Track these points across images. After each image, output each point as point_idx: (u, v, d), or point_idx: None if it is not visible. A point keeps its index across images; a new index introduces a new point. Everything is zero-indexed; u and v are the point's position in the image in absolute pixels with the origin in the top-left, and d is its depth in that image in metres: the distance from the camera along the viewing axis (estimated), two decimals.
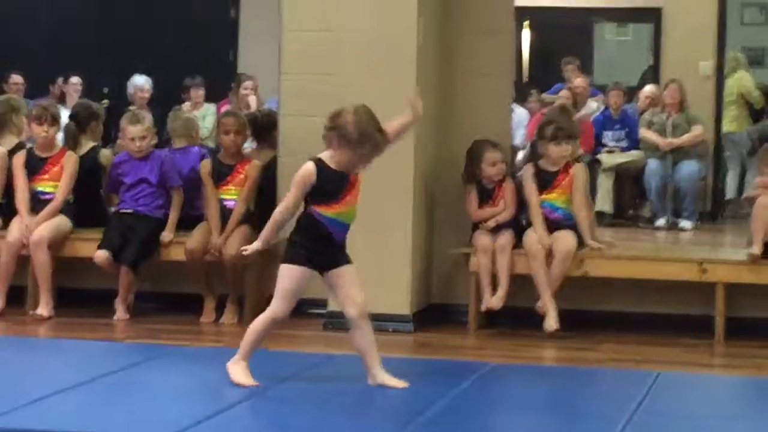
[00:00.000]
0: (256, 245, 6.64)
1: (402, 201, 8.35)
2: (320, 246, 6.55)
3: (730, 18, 15.44)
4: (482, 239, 8.44)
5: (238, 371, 6.49)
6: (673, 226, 13.46)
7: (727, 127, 13.76)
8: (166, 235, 8.80)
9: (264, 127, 9.36)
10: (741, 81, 13.79)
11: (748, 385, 7.20)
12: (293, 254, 6.48)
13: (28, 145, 9.24)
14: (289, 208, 6.55)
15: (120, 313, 8.66)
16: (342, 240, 6.66)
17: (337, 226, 6.58)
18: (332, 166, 6.45)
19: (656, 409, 6.21)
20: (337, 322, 8.39)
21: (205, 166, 8.87)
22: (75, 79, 14.66)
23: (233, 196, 8.76)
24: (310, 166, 6.49)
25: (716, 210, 14.66)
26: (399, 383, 6.42)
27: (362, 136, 6.45)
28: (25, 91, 13.43)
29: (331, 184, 6.48)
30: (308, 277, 6.52)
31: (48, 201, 8.87)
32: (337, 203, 6.54)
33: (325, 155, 6.52)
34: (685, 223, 13.42)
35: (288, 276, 6.49)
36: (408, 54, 8.31)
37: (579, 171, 8.71)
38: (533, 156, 9.19)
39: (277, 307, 6.49)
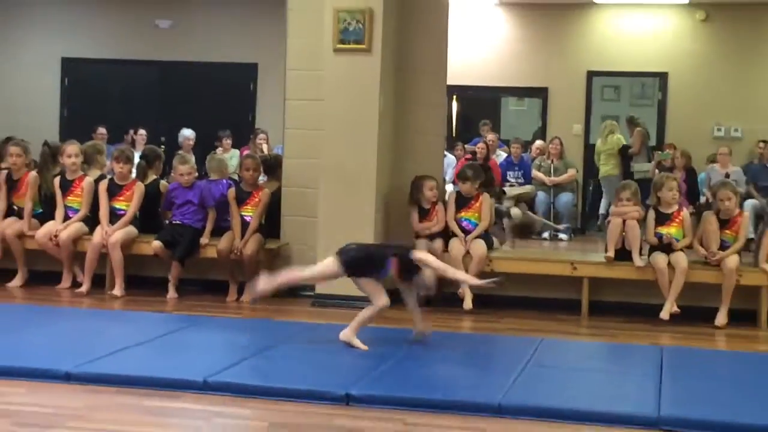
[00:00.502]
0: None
1: (368, 215, 8.39)
2: None
3: (594, 95, 15.55)
4: (422, 244, 8.47)
5: (353, 340, 6.61)
6: (554, 238, 13.54)
7: (608, 172, 13.84)
8: (204, 240, 8.80)
9: (272, 166, 9.39)
10: (620, 140, 13.91)
11: (604, 348, 7.31)
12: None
13: (109, 176, 9.24)
14: None
15: (171, 293, 8.66)
16: None
17: None
18: None
19: (540, 363, 6.37)
20: (321, 301, 8.43)
21: (231, 193, 8.87)
22: (141, 131, 14.65)
23: (250, 213, 8.77)
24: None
25: (584, 226, 14.73)
26: (362, 346, 6.58)
27: None
28: (107, 139, 13.40)
29: None
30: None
31: (122, 215, 8.87)
32: None
33: None
34: (562, 236, 13.50)
35: (373, 283, 6.74)
36: (372, 119, 8.37)
37: (486, 198, 8.78)
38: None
39: (381, 301, 6.70)
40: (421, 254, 6.81)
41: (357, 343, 6.57)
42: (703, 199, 12.66)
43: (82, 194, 9.01)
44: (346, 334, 6.63)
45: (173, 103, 15.70)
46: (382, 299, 6.67)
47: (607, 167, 14.05)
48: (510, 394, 5.53)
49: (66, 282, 8.93)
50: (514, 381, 5.81)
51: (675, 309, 8.02)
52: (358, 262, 6.74)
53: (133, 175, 9.36)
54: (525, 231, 11.21)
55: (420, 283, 6.80)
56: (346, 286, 8.32)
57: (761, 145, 13.92)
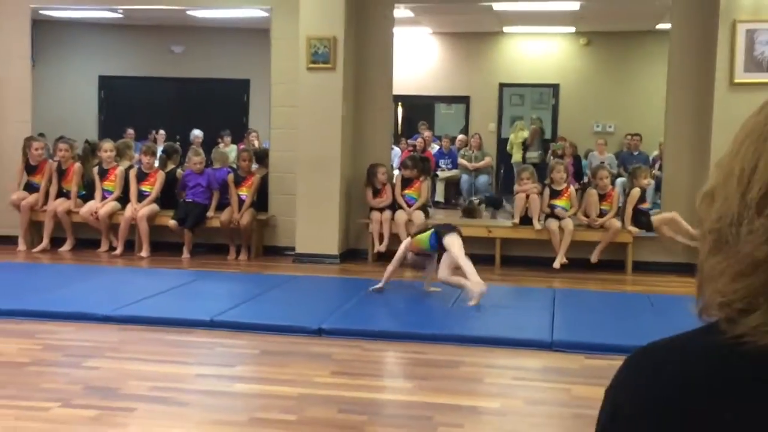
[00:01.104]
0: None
1: (334, 193, 8.35)
2: None
3: (504, 101, 15.57)
4: (375, 214, 8.44)
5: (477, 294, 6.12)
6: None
7: (517, 159, 13.86)
8: (210, 214, 8.72)
9: (262, 157, 9.29)
10: (524, 136, 13.94)
11: (511, 290, 7.22)
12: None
13: (136, 166, 9.14)
14: None
15: (185, 254, 8.58)
16: None
17: None
18: None
19: (465, 302, 6.30)
20: (300, 258, 8.40)
21: (231, 177, 8.77)
22: (162, 132, 14.50)
23: (245, 192, 8.69)
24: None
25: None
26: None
27: None
28: (135, 138, 13.23)
29: None
30: None
31: (147, 196, 8.77)
32: None
33: None
34: (481, 208, 13.51)
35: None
36: (336, 121, 8.33)
37: (426, 181, 8.78)
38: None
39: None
40: (449, 239, 6.33)
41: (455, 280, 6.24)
42: (585, 179, 12.73)
43: (115, 180, 8.93)
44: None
45: (185, 110, 15.56)
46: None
47: (516, 155, 14.09)
48: (443, 325, 5.57)
49: (104, 247, 8.85)
50: (446, 315, 5.86)
51: (564, 261, 8.08)
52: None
53: (156, 164, 9.28)
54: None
55: (427, 262, 6.55)
56: (321, 246, 8.34)
57: (628, 137, 14.01)
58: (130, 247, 8.74)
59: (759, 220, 0.80)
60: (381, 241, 8.36)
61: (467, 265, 6.22)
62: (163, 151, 10.03)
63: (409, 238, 6.64)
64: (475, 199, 11.89)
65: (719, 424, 0.78)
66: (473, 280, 6.13)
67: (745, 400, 0.78)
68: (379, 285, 6.53)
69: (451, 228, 6.52)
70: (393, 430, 3.86)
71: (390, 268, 6.55)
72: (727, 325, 0.81)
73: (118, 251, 8.66)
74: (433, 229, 6.48)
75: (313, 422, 3.92)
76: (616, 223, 8.08)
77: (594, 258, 8.06)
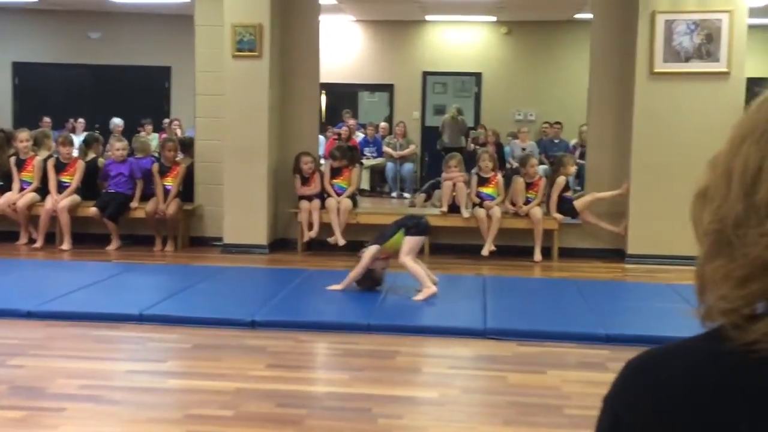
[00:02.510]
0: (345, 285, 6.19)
1: (261, 182, 8.20)
2: None
3: (428, 89, 15.61)
4: (303, 204, 8.31)
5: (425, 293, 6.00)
6: (400, 197, 13.57)
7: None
8: (133, 204, 8.46)
9: (187, 146, 9.06)
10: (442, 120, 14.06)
11: (441, 279, 6.93)
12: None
13: (55, 155, 8.82)
14: None
15: (113, 245, 8.33)
16: None
17: None
18: None
19: (395, 291, 6.34)
20: (228, 249, 8.26)
21: (155, 167, 8.53)
22: (81, 120, 14.08)
23: (170, 182, 8.45)
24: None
25: (420, 188, 14.79)
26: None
27: None
28: (51, 126, 12.80)
29: None
30: None
31: (67, 187, 8.47)
32: None
33: None
34: (406, 195, 13.54)
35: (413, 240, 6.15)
36: (263, 109, 8.18)
37: (354, 169, 8.68)
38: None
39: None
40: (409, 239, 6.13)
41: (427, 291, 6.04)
42: (508, 166, 12.86)
43: (33, 170, 8.60)
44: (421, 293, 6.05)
45: (104, 98, 15.18)
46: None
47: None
48: (376, 316, 5.53)
49: (23, 239, 8.53)
50: (378, 305, 5.82)
51: (492, 248, 8.11)
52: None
53: (75, 154, 9.00)
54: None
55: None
56: (249, 236, 8.21)
57: (545, 125, 14.21)
58: (51, 239, 8.44)
59: None
60: (310, 229, 8.27)
61: (415, 271, 6.08)
62: (83, 141, 9.76)
63: (375, 246, 6.11)
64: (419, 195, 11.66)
65: None
66: (425, 286, 6.06)
67: (761, 410, 0.75)
68: (338, 286, 6.22)
69: (417, 224, 6.24)
70: (333, 423, 3.80)
71: (352, 274, 6.16)
72: (734, 331, 0.78)
73: (39, 244, 8.35)
74: (402, 230, 6.16)
75: (251, 417, 3.84)
76: (539, 212, 8.16)
77: (536, 257, 8.03)
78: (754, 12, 8.64)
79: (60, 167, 8.57)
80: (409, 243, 6.11)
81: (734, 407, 0.76)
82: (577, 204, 8.25)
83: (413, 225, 6.24)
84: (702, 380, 0.79)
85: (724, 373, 0.78)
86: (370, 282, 6.21)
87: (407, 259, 6.06)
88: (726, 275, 0.79)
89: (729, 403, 0.77)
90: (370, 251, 6.13)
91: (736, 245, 0.79)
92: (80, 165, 8.63)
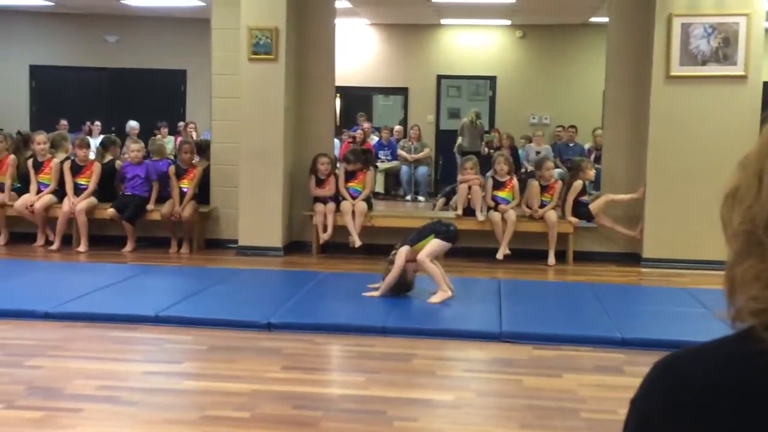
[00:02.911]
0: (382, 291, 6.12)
1: (277, 184, 8.23)
2: None
3: (442, 93, 15.61)
4: (318, 206, 8.33)
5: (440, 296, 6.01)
6: (414, 200, 13.58)
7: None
8: (149, 206, 8.50)
9: (203, 149, 9.06)
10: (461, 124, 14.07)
11: (456, 282, 6.76)
12: None
13: (72, 158, 8.86)
14: None
15: (129, 247, 8.36)
16: None
17: None
18: None
19: (414, 291, 6.28)
20: (243, 251, 8.29)
21: (172, 169, 8.57)
22: (97, 123, 14.17)
23: (187, 185, 8.49)
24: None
25: (436, 191, 14.77)
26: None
27: None
28: (68, 129, 12.87)
29: None
30: None
31: (83, 189, 8.51)
32: None
33: None
34: (421, 198, 13.56)
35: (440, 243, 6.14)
36: (279, 112, 8.21)
37: (368, 172, 8.69)
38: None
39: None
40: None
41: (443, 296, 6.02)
42: (523, 170, 12.84)
43: (51, 173, 8.64)
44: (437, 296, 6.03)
45: (121, 100, 15.27)
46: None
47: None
48: (391, 318, 5.52)
49: (40, 241, 8.55)
50: (393, 308, 5.81)
51: (507, 251, 8.08)
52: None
53: (92, 156, 9.04)
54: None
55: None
56: (264, 239, 8.23)
57: (559, 129, 14.19)
58: (68, 241, 8.48)
59: None
60: (325, 231, 8.28)
61: (432, 271, 6.04)
62: (100, 144, 9.82)
63: (406, 247, 6.07)
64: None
65: None
66: (441, 289, 6.04)
67: None
68: (375, 293, 6.13)
69: (447, 231, 6.22)
70: (348, 426, 3.80)
71: (389, 279, 6.06)
72: (765, 332, 0.78)
73: (55, 246, 8.37)
74: (433, 235, 6.13)
75: (267, 419, 3.84)
76: (553, 215, 8.14)
77: (550, 261, 8.00)
78: None
79: (76, 170, 8.60)
80: (433, 246, 6.09)
81: (764, 408, 0.76)
82: (592, 207, 8.22)
83: (444, 231, 6.22)
84: (732, 381, 0.78)
85: (755, 374, 0.78)
86: (401, 287, 6.15)
87: (426, 260, 6.03)
88: (757, 276, 0.79)
89: (759, 403, 0.76)
90: (402, 253, 6.09)
91: (767, 246, 0.78)
92: (96, 167, 8.67)
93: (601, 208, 8.18)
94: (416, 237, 6.21)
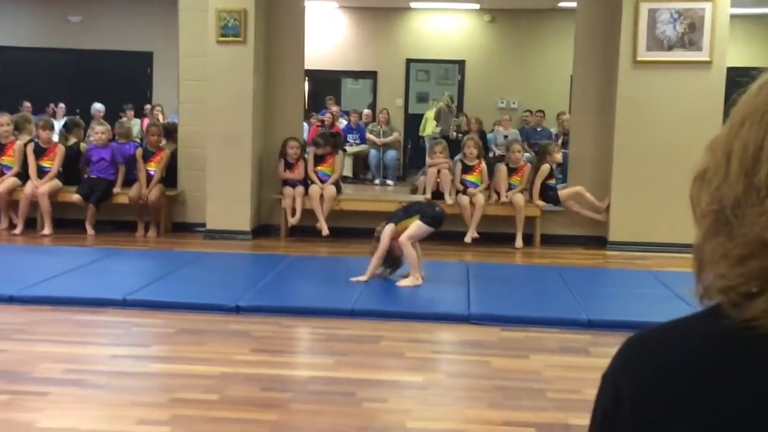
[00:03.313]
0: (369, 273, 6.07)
1: (245, 168, 8.20)
2: None
3: (411, 77, 15.61)
4: (287, 190, 8.32)
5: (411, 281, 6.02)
6: (383, 184, 13.60)
7: (428, 132, 13.90)
8: (116, 190, 8.44)
9: (170, 132, 9.00)
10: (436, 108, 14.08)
11: (424, 265, 6.88)
12: None
13: (35, 140, 8.74)
14: None
15: (89, 231, 8.27)
16: None
17: None
18: None
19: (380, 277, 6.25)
20: (211, 235, 8.25)
21: (139, 152, 8.52)
22: (61, 105, 13.98)
23: (154, 168, 8.44)
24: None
25: (404, 176, 14.81)
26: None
27: None
28: (32, 111, 12.69)
29: None
30: None
31: (47, 172, 8.41)
32: None
33: None
34: (389, 182, 13.59)
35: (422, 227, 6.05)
36: (247, 95, 8.17)
37: (337, 156, 8.69)
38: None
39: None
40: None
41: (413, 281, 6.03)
42: (491, 154, 12.90)
43: (14, 155, 8.51)
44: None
45: (85, 82, 15.10)
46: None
47: (429, 129, 14.14)
48: (360, 301, 5.54)
49: (3, 224, 8.44)
50: (361, 291, 5.83)
51: (475, 235, 8.14)
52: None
53: (55, 139, 8.92)
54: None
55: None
56: (232, 222, 8.19)
57: (527, 113, 14.27)
58: (31, 225, 8.38)
59: None
60: (293, 215, 8.27)
61: (410, 255, 6.02)
62: (63, 125, 9.69)
63: (390, 225, 6.04)
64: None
65: (734, 408, 0.77)
66: (413, 274, 6.04)
67: (759, 385, 0.77)
68: (363, 277, 6.08)
69: (434, 215, 6.16)
70: (318, 407, 3.82)
71: (375, 260, 6.06)
72: (732, 309, 0.80)
73: (19, 229, 8.26)
74: (419, 216, 6.08)
75: (236, 401, 3.84)
76: (521, 199, 8.19)
77: (517, 244, 8.06)
78: (735, 1, 8.68)
79: (39, 152, 8.49)
80: (414, 229, 6.03)
81: (733, 381, 0.78)
82: (563, 193, 8.29)
83: (430, 215, 6.15)
84: (702, 356, 0.80)
85: (724, 349, 0.80)
86: (390, 263, 6.12)
87: (407, 243, 6.00)
88: (724, 254, 0.81)
89: (728, 377, 0.78)
90: (387, 232, 6.04)
91: (734, 225, 0.80)
92: (60, 150, 8.57)
93: (571, 196, 8.25)
94: (402, 215, 6.19)
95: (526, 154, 11.69)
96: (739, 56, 11.97)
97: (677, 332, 0.84)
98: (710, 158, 0.85)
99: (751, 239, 0.78)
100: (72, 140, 9.01)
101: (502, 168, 8.40)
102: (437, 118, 13.97)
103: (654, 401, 0.81)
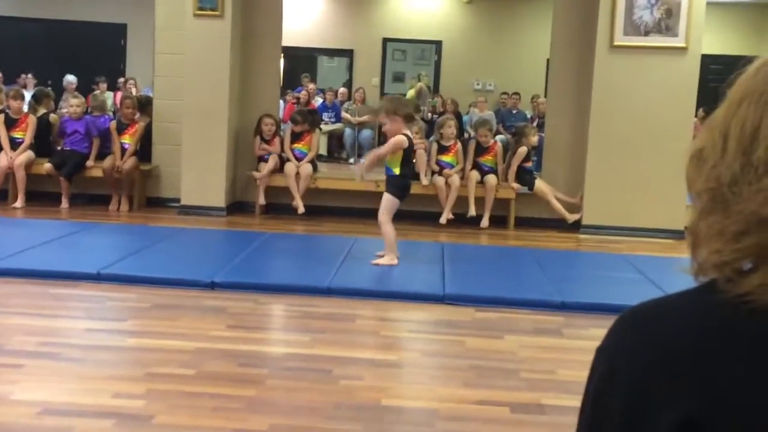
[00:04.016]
0: (364, 167, 6.25)
1: (221, 143, 8.14)
2: None
3: (387, 56, 15.56)
4: (262, 165, 8.32)
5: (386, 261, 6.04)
6: (358, 162, 13.53)
7: None
8: (89, 163, 8.36)
9: (145, 105, 8.93)
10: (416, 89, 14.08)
11: (400, 245, 6.86)
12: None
13: (6, 111, 8.62)
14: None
15: (63, 204, 8.21)
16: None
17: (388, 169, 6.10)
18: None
19: (355, 256, 6.40)
20: (185, 210, 8.20)
21: (113, 125, 8.45)
22: (31, 75, 13.79)
23: (128, 141, 8.38)
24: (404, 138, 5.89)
25: None
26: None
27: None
28: (2, 81, 12.49)
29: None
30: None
31: (20, 143, 8.30)
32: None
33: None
34: (363, 161, 13.53)
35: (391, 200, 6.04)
36: (224, 69, 8.11)
37: (314, 134, 8.68)
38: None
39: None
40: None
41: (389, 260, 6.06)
42: (466, 135, 12.92)
43: None
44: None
45: (57, 54, 14.88)
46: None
47: None
48: (335, 279, 5.56)
49: None
50: (337, 269, 5.84)
51: (450, 216, 8.17)
52: None
53: (25, 109, 8.81)
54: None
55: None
56: (207, 198, 8.15)
57: (504, 96, 14.31)
58: (2, 197, 8.29)
59: (767, 179, 0.81)
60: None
61: (387, 234, 6.06)
62: (32, 96, 9.56)
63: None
64: None
65: (730, 380, 0.79)
66: (389, 254, 6.08)
67: (754, 356, 0.79)
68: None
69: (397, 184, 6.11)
70: (294, 384, 3.83)
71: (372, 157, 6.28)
72: (726, 284, 0.82)
73: None
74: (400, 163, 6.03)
75: (212, 376, 3.85)
76: (493, 179, 8.23)
77: (483, 224, 8.10)
78: None
79: (10, 123, 8.38)
80: (386, 201, 6.06)
81: (729, 353, 0.80)
82: (537, 187, 8.26)
83: (397, 185, 6.13)
84: (698, 329, 0.82)
85: (720, 322, 0.82)
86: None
87: (385, 219, 6.02)
88: (721, 231, 0.83)
89: (724, 349, 0.81)
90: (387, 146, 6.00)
91: (731, 202, 0.82)
92: (32, 120, 8.47)
93: (543, 192, 8.27)
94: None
95: (500, 136, 11.77)
96: (713, 44, 12.09)
97: (672, 306, 0.87)
98: (707, 137, 0.87)
99: (747, 215, 0.81)
100: (41, 111, 8.92)
101: (471, 146, 8.43)
102: (417, 98, 13.96)
103: (649, 374, 0.83)
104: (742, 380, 0.79)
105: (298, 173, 8.30)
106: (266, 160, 8.34)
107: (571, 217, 8.11)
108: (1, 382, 3.67)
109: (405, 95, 14.27)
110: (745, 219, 0.81)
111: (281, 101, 13.72)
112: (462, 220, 8.15)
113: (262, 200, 8.24)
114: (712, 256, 0.84)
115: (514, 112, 13.69)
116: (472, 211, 8.10)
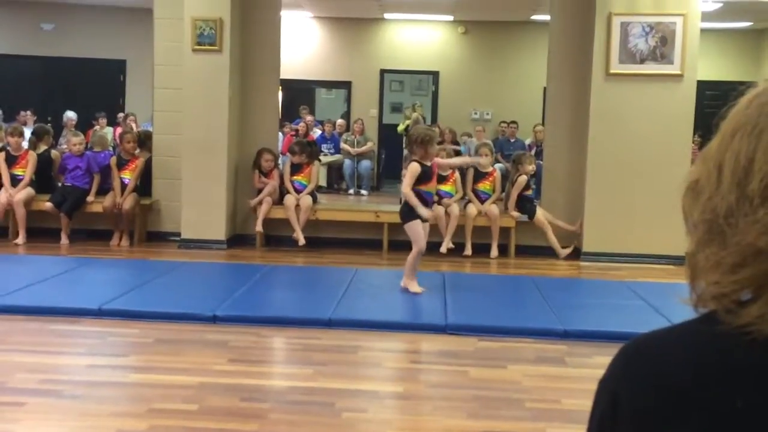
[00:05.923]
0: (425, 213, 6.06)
1: (221, 176, 8.16)
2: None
3: (385, 87, 15.64)
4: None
5: (413, 286, 6.13)
6: (357, 194, 13.59)
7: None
8: (90, 198, 8.38)
9: (145, 140, 8.96)
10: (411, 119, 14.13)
11: (400, 275, 7.06)
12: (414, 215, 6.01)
13: (6, 148, 8.64)
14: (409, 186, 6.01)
15: (63, 240, 8.21)
16: (431, 202, 6.28)
17: (428, 195, 6.17)
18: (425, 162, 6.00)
19: (357, 287, 6.35)
20: (185, 244, 8.21)
21: (113, 160, 8.46)
22: (30, 112, 13.87)
23: (128, 176, 8.39)
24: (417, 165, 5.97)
25: (378, 186, 14.81)
26: (418, 289, 6.14)
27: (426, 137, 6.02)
28: (2, 119, 12.55)
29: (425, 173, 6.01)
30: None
31: (20, 180, 8.32)
32: (429, 183, 6.11)
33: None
34: (363, 192, 13.58)
35: (416, 226, 6.03)
36: (223, 103, 8.14)
37: (314, 165, 8.70)
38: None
39: (420, 245, 6.08)
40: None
41: (415, 287, 6.14)
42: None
43: None
44: (404, 281, 6.20)
45: (57, 90, 14.95)
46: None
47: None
48: (337, 311, 5.54)
49: None
50: (338, 301, 5.83)
51: (450, 245, 8.16)
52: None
53: (25, 146, 8.83)
54: None
55: None
56: (207, 231, 8.15)
57: (502, 125, 14.36)
58: (2, 233, 8.28)
59: (762, 210, 0.81)
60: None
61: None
62: (32, 133, 9.59)
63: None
64: None
65: (731, 411, 0.79)
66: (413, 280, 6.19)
67: (755, 388, 0.79)
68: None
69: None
70: (297, 417, 3.81)
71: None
72: (726, 315, 0.82)
73: None
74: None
75: (215, 411, 3.83)
76: (496, 209, 8.24)
77: (493, 254, 8.11)
78: (706, 16, 8.83)
79: (11, 160, 8.40)
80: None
81: (730, 385, 0.80)
82: (537, 218, 8.26)
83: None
84: (699, 360, 0.83)
85: (721, 354, 0.82)
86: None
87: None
88: (718, 262, 0.83)
89: (725, 381, 0.81)
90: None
91: (727, 234, 0.82)
92: (32, 156, 8.49)
93: (541, 222, 8.27)
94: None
95: (499, 165, 11.79)
96: (709, 70, 12.17)
97: (674, 337, 0.87)
98: (702, 169, 0.87)
99: (744, 247, 0.81)
100: (42, 147, 8.93)
101: (470, 173, 8.47)
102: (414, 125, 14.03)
103: (652, 405, 0.83)
104: (742, 412, 0.78)
105: (298, 205, 8.31)
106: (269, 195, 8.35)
107: (564, 253, 8.11)
108: (4, 420, 3.64)
109: (398, 126, 14.38)
110: (742, 251, 0.81)
111: (280, 133, 13.80)
112: (462, 249, 8.15)
113: (259, 227, 8.23)
114: (711, 287, 0.84)
115: (512, 140, 13.73)
116: (449, 244, 8.07)
